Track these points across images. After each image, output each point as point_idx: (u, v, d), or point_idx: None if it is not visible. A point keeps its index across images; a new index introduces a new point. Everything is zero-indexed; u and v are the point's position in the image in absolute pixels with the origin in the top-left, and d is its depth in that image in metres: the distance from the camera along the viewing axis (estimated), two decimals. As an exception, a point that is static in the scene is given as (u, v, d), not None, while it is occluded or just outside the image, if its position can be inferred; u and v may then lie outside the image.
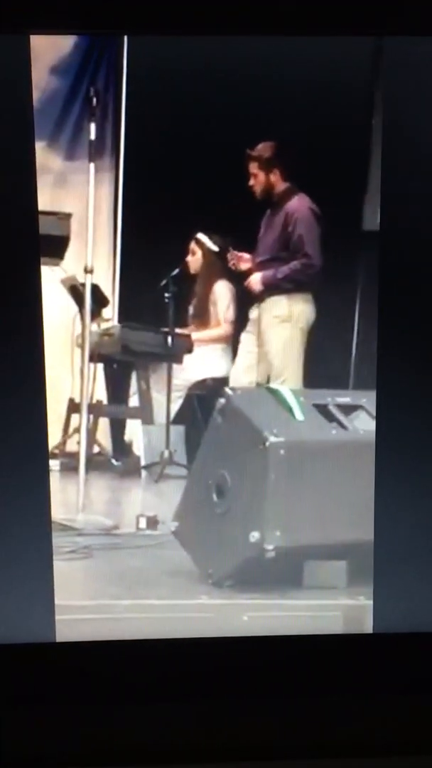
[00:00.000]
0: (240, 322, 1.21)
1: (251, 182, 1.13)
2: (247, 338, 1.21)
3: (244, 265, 1.18)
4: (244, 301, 1.20)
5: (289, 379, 1.19)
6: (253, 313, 1.20)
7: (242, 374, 1.21)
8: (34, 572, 1.12)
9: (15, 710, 1.13)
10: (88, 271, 1.19)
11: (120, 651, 1.14)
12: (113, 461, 1.26)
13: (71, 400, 1.22)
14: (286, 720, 1.14)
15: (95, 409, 1.24)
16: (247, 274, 1.18)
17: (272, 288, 1.18)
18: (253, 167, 1.12)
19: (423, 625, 1.15)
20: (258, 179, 1.13)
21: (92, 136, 1.13)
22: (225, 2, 1.01)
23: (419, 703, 1.15)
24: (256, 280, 1.18)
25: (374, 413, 1.13)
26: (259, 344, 1.21)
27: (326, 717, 1.14)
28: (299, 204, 1.15)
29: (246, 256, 1.17)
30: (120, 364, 1.25)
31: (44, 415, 1.09)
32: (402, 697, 1.15)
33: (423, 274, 1.09)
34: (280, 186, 1.15)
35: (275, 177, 1.14)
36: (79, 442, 1.23)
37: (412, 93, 1.06)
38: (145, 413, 1.26)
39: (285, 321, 1.20)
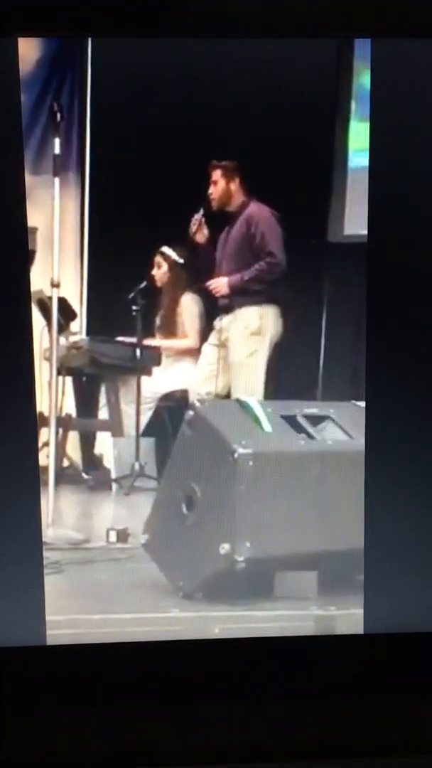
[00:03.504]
0: (206, 332, 1.21)
1: (210, 190, 1.14)
2: (209, 350, 1.21)
3: (223, 289, 1.18)
4: (212, 312, 1.20)
5: (253, 391, 1.20)
6: (220, 324, 1.21)
7: (201, 385, 1.22)
8: (25, 579, 1.12)
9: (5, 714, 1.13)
10: (54, 284, 1.19)
11: (112, 653, 1.14)
12: (83, 475, 1.25)
13: (40, 414, 1.21)
14: (277, 721, 1.14)
15: (64, 423, 1.24)
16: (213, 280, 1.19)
17: (239, 292, 1.18)
18: (216, 175, 1.13)
19: (413, 626, 1.15)
20: (217, 187, 1.14)
21: (57, 151, 1.13)
22: (215, 6, 1.01)
23: (410, 703, 1.15)
24: (222, 283, 1.18)
25: (342, 423, 1.14)
26: (225, 356, 1.21)
27: (317, 718, 1.14)
28: (258, 208, 1.16)
29: (222, 279, 1.18)
30: (89, 377, 1.25)
31: (34, 428, 1.10)
32: (392, 697, 1.15)
33: (410, 282, 1.10)
34: (239, 197, 1.16)
35: (235, 187, 1.15)
36: (48, 456, 1.23)
37: (399, 100, 1.07)
38: (114, 426, 1.26)
39: (254, 334, 1.20)
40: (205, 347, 1.21)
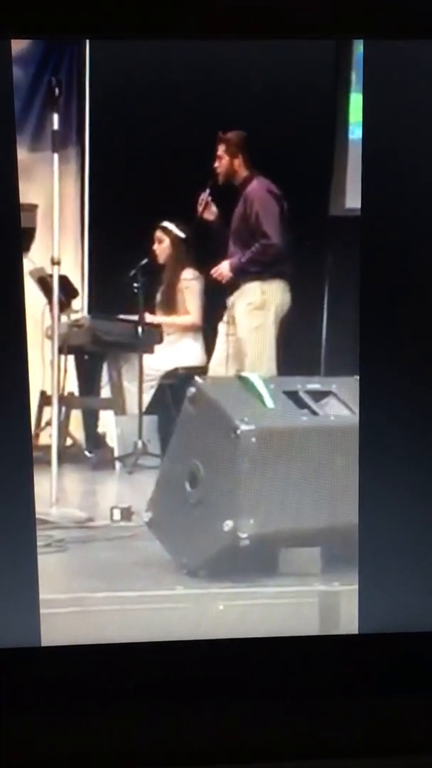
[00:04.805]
0: (210, 310, 1.21)
1: (216, 164, 1.13)
2: (222, 328, 1.21)
3: (226, 274, 1.18)
4: (216, 289, 1.20)
5: (262, 367, 1.19)
6: (226, 302, 1.20)
7: (221, 364, 1.21)
8: (18, 573, 1.12)
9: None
10: (55, 262, 1.18)
11: (106, 654, 1.14)
12: (86, 453, 1.25)
13: (43, 393, 1.21)
14: (273, 722, 1.14)
15: (67, 401, 1.24)
16: (218, 262, 1.18)
17: (240, 274, 1.18)
18: (221, 149, 1.12)
19: (410, 625, 1.15)
20: (222, 162, 1.13)
21: (55, 127, 1.12)
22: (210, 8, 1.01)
23: (409, 703, 1.15)
24: (225, 268, 1.18)
25: (344, 399, 1.14)
26: (232, 332, 1.21)
27: (315, 719, 1.14)
28: (257, 186, 1.16)
29: (225, 265, 1.18)
30: (91, 355, 1.25)
31: (27, 407, 1.09)
32: (388, 697, 1.15)
33: (403, 258, 1.09)
34: (243, 172, 1.15)
35: (238, 162, 1.14)
36: (51, 435, 1.23)
37: (391, 87, 1.06)
38: (117, 404, 1.26)
39: (258, 309, 1.20)
40: (220, 326, 1.21)
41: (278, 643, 1.14)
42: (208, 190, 1.14)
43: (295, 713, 1.13)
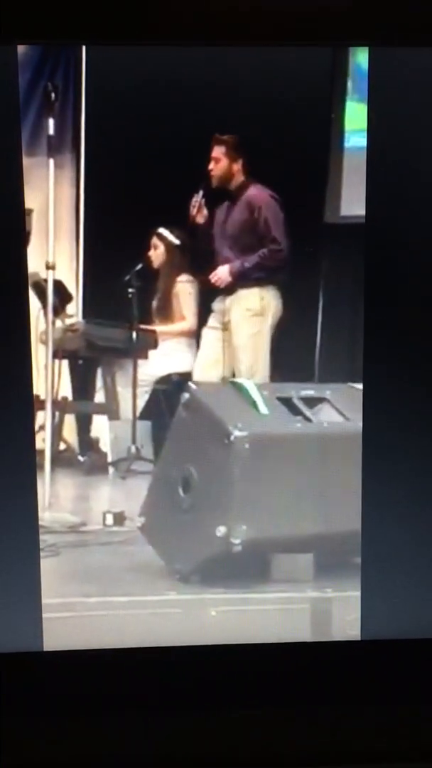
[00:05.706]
0: (205, 315, 1.21)
1: (211, 166, 1.13)
2: (210, 333, 1.21)
3: (225, 279, 1.17)
4: (211, 294, 1.20)
5: (258, 373, 1.19)
6: (220, 307, 1.20)
7: (207, 370, 1.21)
8: (20, 578, 1.12)
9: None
10: (50, 267, 1.18)
11: (99, 659, 1.14)
12: (80, 458, 1.25)
13: (36, 397, 1.21)
14: (270, 728, 1.14)
15: (61, 406, 1.24)
16: (214, 268, 1.18)
17: (241, 279, 1.17)
18: (219, 151, 1.12)
19: (412, 631, 1.15)
20: (219, 165, 1.13)
21: (51, 132, 1.12)
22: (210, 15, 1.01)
23: (408, 710, 1.15)
24: (224, 273, 1.18)
25: (338, 405, 1.14)
26: (227, 338, 1.21)
27: (312, 725, 1.14)
28: (260, 191, 1.15)
29: (224, 269, 1.17)
30: (85, 360, 1.24)
31: (31, 412, 1.10)
32: (389, 703, 1.15)
33: (407, 265, 1.10)
34: (240, 176, 1.15)
35: (237, 166, 1.14)
36: (44, 440, 1.22)
37: (396, 95, 1.07)
38: (111, 409, 1.26)
39: (257, 315, 1.20)
40: (207, 331, 1.20)
41: (277, 649, 1.15)
42: (201, 193, 1.13)
43: (294, 719, 1.14)
